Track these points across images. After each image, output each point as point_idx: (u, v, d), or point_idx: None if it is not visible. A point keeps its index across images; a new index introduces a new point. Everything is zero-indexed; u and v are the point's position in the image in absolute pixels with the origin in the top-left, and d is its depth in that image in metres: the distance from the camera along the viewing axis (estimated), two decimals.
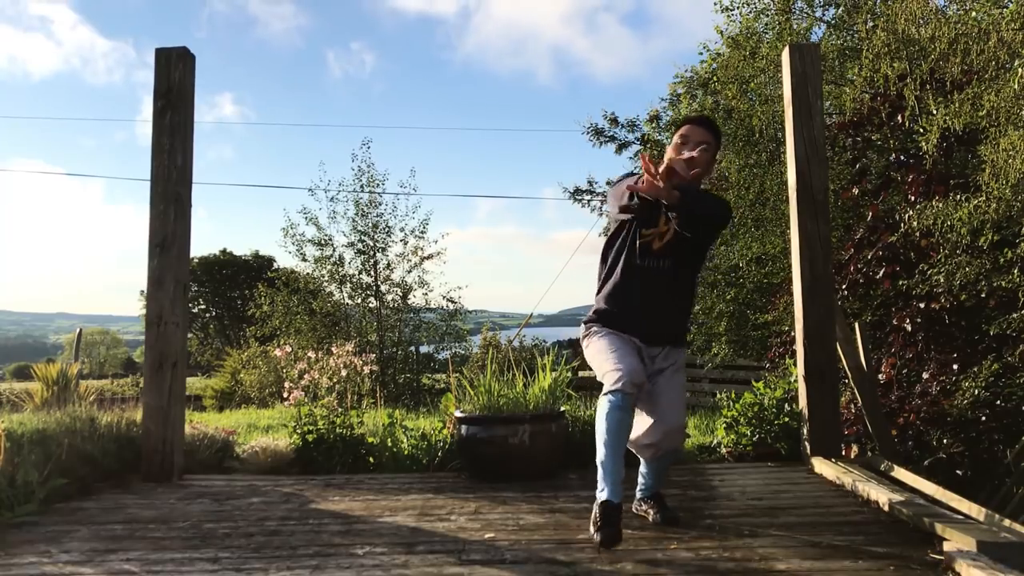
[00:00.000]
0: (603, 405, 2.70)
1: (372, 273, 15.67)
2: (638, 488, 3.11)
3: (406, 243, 15.63)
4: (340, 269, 15.61)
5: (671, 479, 3.69)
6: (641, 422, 2.89)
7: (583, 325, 3.03)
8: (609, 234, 2.98)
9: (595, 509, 2.65)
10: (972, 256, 4.56)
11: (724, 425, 4.47)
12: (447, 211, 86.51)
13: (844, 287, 5.60)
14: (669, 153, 2.83)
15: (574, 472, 3.98)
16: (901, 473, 3.58)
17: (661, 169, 2.62)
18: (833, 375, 4.11)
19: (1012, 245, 4.36)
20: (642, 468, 3.09)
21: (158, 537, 2.86)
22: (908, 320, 5.09)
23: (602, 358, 2.81)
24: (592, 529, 2.63)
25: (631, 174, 2.94)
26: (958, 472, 4.33)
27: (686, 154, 2.74)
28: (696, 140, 2.79)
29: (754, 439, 4.30)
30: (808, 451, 4.06)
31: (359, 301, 15.70)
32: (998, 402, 4.47)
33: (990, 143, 4.07)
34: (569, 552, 2.60)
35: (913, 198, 5.15)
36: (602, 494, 2.63)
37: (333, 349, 5.39)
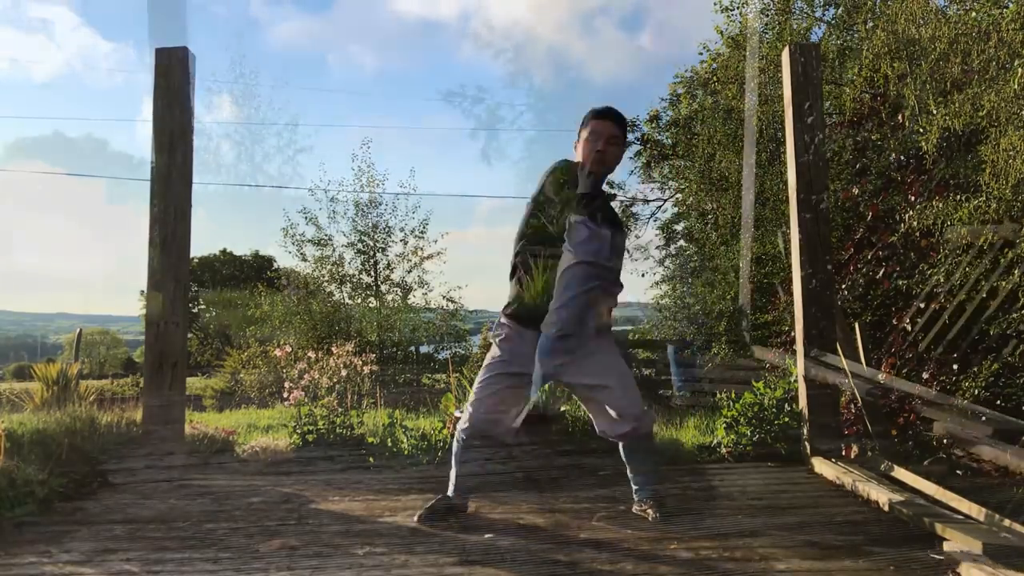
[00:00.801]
0: (459, 432, 3.07)
1: (372, 273, 15.69)
2: (633, 489, 3.12)
3: (406, 243, 15.67)
4: (340, 269, 15.62)
5: (671, 479, 3.69)
6: (604, 414, 2.95)
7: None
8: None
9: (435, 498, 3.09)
10: (972, 256, 4.55)
11: (724, 425, 4.46)
12: (447, 211, 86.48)
13: (844, 287, 5.59)
14: (579, 148, 2.87)
15: (574, 472, 3.98)
16: (901, 473, 3.58)
17: None
18: (832, 374, 4.11)
19: (1012, 245, 4.35)
20: (628, 470, 3.11)
21: (158, 537, 2.86)
22: (908, 320, 5.08)
23: (481, 375, 2.99)
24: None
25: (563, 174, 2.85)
26: (958, 472, 4.31)
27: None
28: (608, 135, 2.84)
29: (754, 439, 4.29)
30: (808, 451, 4.06)
31: (359, 301, 15.70)
32: (998, 402, 4.46)
33: (990, 143, 4.06)
34: (569, 552, 2.61)
35: (913, 198, 5.14)
36: (449, 488, 3.11)
37: (333, 349, 5.38)
